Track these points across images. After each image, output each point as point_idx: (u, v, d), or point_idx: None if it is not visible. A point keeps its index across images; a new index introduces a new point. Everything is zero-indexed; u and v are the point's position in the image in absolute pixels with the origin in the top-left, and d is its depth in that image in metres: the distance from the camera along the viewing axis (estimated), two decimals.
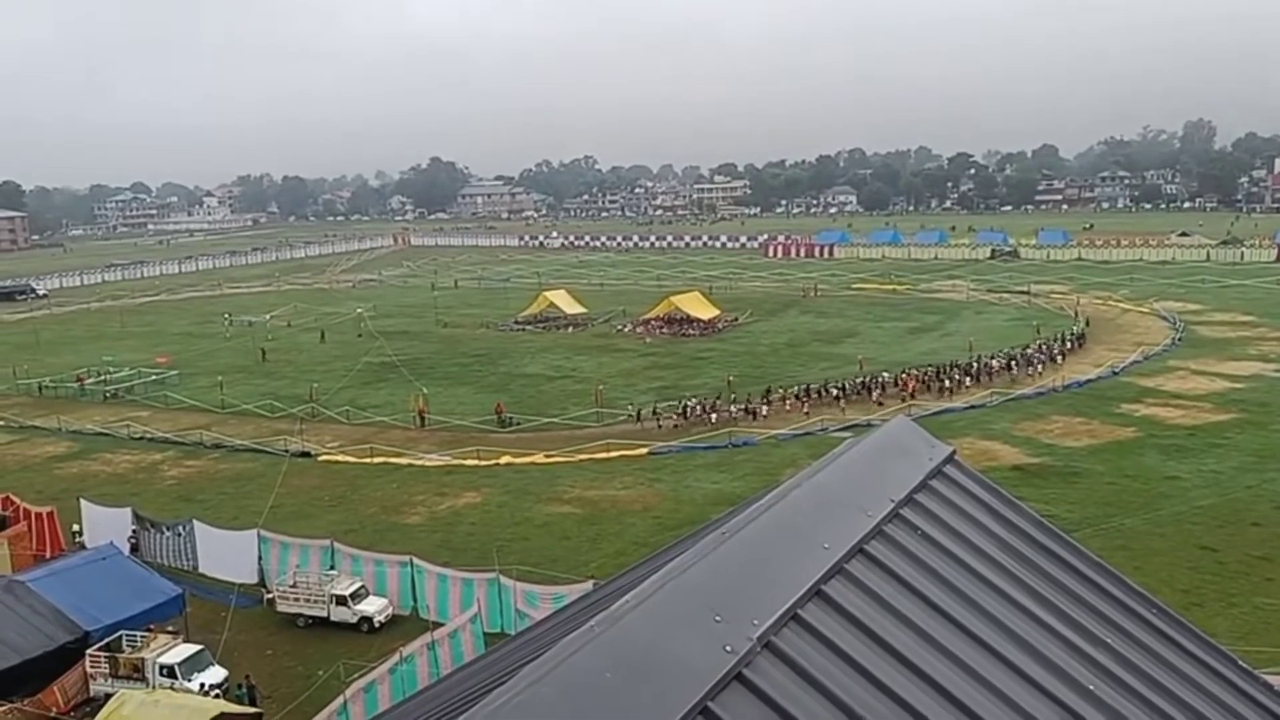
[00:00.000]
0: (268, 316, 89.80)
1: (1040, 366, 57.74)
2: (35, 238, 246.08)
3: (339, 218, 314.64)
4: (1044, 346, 62.34)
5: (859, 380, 54.82)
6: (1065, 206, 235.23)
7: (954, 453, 5.29)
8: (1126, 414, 47.65)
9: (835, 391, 52.82)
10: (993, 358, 58.77)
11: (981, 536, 4.80)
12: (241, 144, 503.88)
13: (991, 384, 54.82)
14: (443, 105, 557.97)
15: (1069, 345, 63.75)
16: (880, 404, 51.24)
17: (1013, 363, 58.18)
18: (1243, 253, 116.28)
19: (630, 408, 51.25)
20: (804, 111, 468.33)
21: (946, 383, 54.35)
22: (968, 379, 55.30)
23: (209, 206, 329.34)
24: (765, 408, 50.66)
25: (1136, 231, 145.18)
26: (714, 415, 49.21)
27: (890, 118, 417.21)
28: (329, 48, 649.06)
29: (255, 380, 64.59)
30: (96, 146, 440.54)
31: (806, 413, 50.11)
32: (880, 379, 55.02)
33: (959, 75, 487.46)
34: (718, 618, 3.28)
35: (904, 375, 55.36)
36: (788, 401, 51.67)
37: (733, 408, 50.69)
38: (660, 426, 48.90)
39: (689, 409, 50.09)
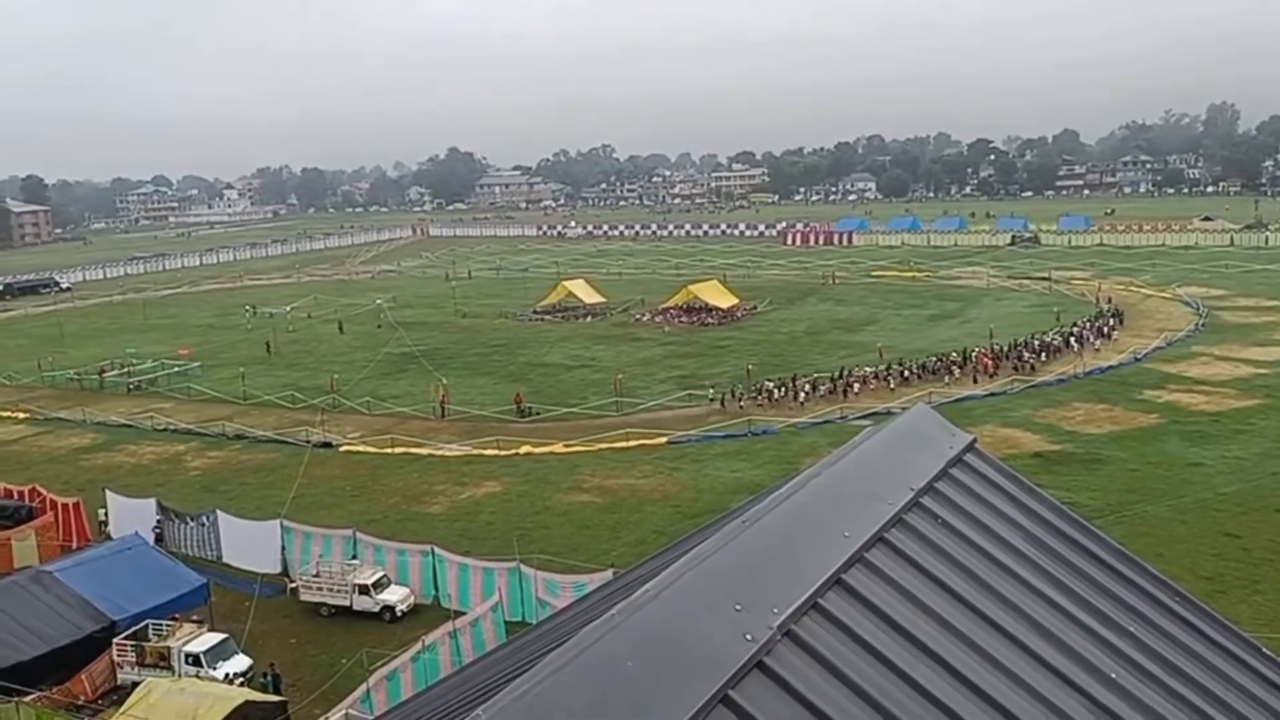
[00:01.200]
0: (288, 308, 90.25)
1: (1097, 342, 60.17)
2: (58, 231, 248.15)
3: (358, 209, 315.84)
4: (1091, 325, 63.91)
5: (941, 359, 55.56)
6: (1086, 192, 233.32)
7: (974, 441, 5.27)
8: (1149, 400, 47.30)
9: (917, 370, 53.87)
10: (1049, 336, 60.68)
11: (1003, 525, 4.78)
12: (261, 137, 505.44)
13: (1057, 361, 56.16)
14: (460, 96, 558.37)
15: (1112, 322, 65.22)
16: (975, 379, 53.01)
17: (1072, 338, 59.77)
18: (1267, 237, 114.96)
19: (714, 390, 51.76)
20: (822, 98, 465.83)
21: (1026, 356, 56.20)
22: (1042, 355, 56.80)
23: (229, 199, 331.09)
24: (857, 385, 51.73)
25: (1159, 216, 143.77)
26: (802, 396, 50.31)
27: (909, 104, 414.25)
28: (345, 41, 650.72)
29: (276, 371, 65.00)
30: (118, 141, 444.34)
31: (893, 389, 51.21)
32: (954, 358, 55.76)
33: (978, 60, 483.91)
34: (738, 606, 3.29)
35: (980, 353, 56.19)
36: (870, 382, 52.41)
37: (818, 388, 51.62)
38: (742, 407, 49.49)
39: (774, 390, 50.96)
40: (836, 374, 53.18)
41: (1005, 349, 57.71)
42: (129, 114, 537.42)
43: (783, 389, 51.18)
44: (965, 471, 5.02)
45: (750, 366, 55.61)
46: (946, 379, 53.06)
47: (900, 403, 45.51)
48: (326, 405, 53.52)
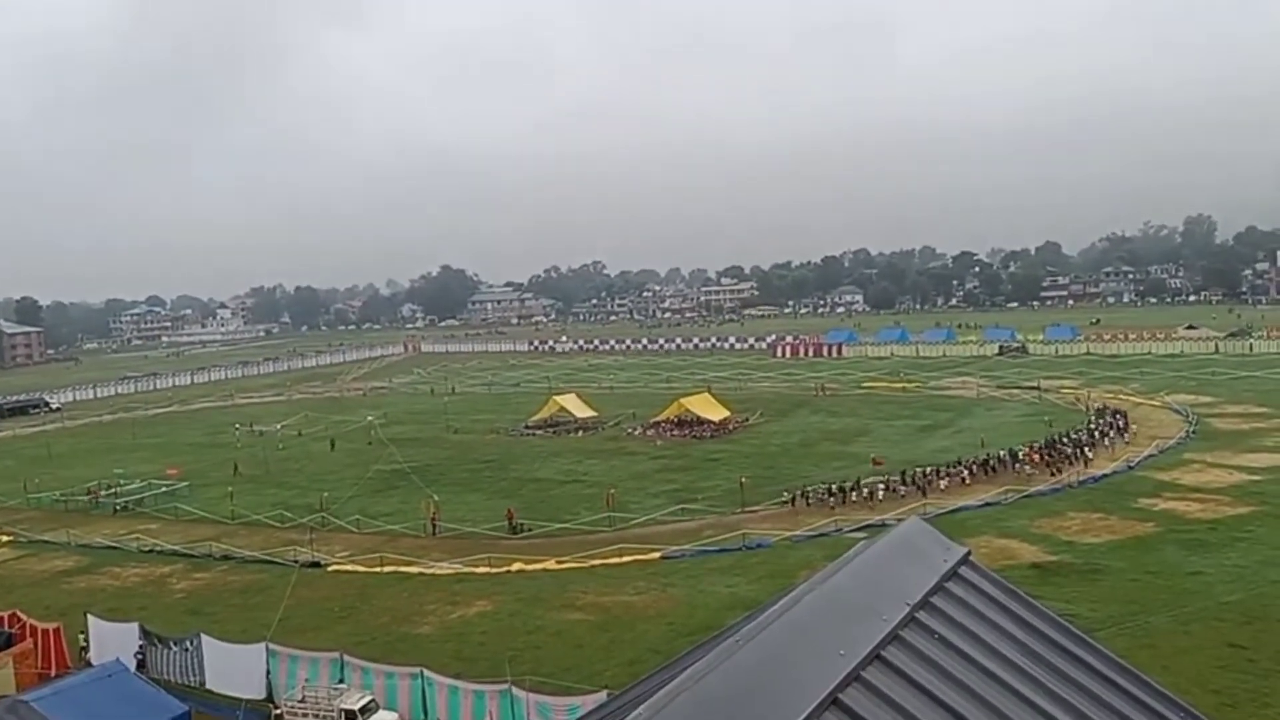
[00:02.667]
0: (278, 426, 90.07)
1: (1110, 442, 62.29)
2: (51, 352, 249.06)
3: (350, 326, 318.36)
4: (1107, 424, 66.42)
5: (977, 460, 57.00)
6: (1071, 302, 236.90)
7: (968, 553, 5.25)
8: (1145, 509, 47.06)
9: (964, 471, 55.25)
10: (1078, 432, 64.00)
11: (1000, 639, 4.73)
12: (254, 256, 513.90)
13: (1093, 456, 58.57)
14: (452, 214, 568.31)
15: (1123, 423, 67.28)
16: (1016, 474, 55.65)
17: (1094, 435, 63.20)
18: (1251, 344, 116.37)
19: (786, 494, 52.84)
20: (808, 213, 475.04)
21: (1070, 449, 59.03)
22: (1082, 449, 59.19)
23: (222, 318, 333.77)
24: (944, 482, 53.31)
25: (1143, 325, 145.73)
26: (879, 494, 51.97)
27: (894, 218, 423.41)
28: (337, 163, 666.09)
29: (266, 490, 64.44)
30: (113, 262, 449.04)
31: (966, 483, 53.69)
32: (999, 455, 57.68)
33: (960, 175, 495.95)
34: None
35: (1027, 450, 58.35)
36: (944, 480, 53.62)
37: (895, 489, 53.24)
38: (809, 505, 50.92)
39: (843, 491, 52.29)
40: (918, 472, 55.01)
41: (1043, 445, 59.82)
42: (124, 235, 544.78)
43: (855, 491, 52.64)
44: (960, 585, 4.99)
45: (744, 479, 55.41)
46: (1016, 471, 55.95)
47: (896, 514, 45.23)
48: (315, 524, 52.91)
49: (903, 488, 53.34)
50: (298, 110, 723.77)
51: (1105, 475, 54.16)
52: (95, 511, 61.31)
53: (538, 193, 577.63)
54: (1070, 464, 56.70)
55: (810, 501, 51.61)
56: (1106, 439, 62.85)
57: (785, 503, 52.00)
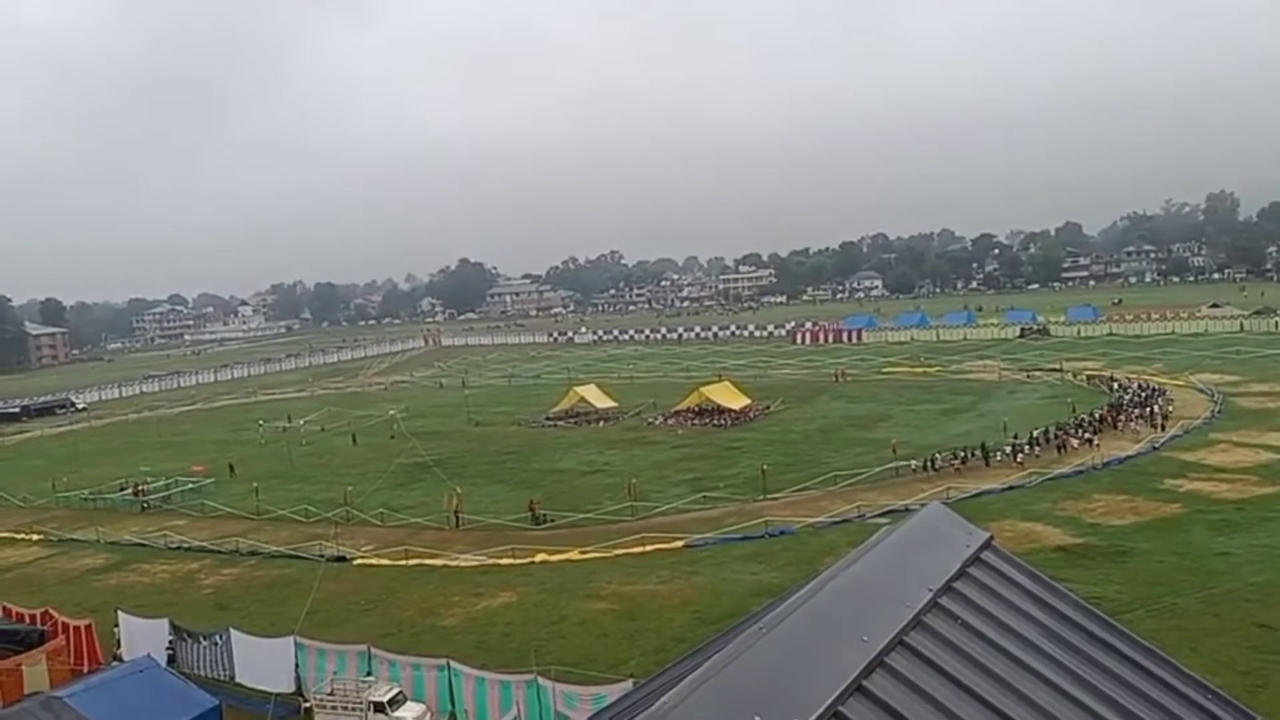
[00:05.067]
0: (301, 421, 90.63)
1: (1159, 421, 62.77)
2: (75, 352, 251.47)
3: (370, 321, 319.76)
4: (1159, 400, 68.31)
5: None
6: (1092, 283, 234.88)
7: (991, 538, 5.24)
8: (1170, 489, 46.71)
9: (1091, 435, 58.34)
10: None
11: (1024, 623, 4.72)
12: (274, 253, 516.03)
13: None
14: (468, 208, 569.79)
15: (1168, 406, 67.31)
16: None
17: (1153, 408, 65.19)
18: (1277, 322, 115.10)
19: (914, 462, 54.75)
20: (825, 199, 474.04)
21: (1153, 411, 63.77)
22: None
23: (243, 315, 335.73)
24: (1076, 442, 56.69)
25: (1166, 305, 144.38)
26: (1019, 457, 54.55)
27: (912, 202, 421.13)
28: (356, 158, 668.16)
29: (291, 485, 64.91)
30: (135, 261, 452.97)
31: (1089, 444, 56.56)
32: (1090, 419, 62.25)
33: (979, 157, 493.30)
34: (758, 717, 3.25)
35: (1105, 411, 64.08)
36: (1073, 439, 57.15)
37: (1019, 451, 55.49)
38: (937, 471, 53.45)
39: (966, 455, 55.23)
40: (1043, 432, 58.36)
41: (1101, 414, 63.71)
42: (145, 235, 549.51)
43: (975, 454, 55.21)
44: (983, 570, 4.98)
45: (765, 467, 55.34)
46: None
47: (918, 499, 45.08)
48: (340, 518, 53.27)
49: (1037, 448, 55.76)
50: (313, 109, 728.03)
51: (1130, 456, 53.75)
52: (129, 508, 61.76)
53: (554, 184, 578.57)
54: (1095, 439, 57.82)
55: (939, 467, 53.76)
56: (1144, 418, 63.51)
57: (915, 471, 53.70)
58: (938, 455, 55.59)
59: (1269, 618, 30.75)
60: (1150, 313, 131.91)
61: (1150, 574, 35.53)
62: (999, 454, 55.44)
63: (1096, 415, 63.60)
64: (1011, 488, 49.04)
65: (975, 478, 51.68)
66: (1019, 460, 54.35)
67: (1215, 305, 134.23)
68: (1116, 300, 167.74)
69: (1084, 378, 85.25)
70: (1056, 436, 58.00)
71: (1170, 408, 66.13)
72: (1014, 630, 4.61)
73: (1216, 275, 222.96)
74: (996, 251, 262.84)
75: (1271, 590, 33.00)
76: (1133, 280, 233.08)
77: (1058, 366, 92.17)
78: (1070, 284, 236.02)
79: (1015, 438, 57.65)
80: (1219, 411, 65.05)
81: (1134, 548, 38.53)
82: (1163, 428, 60.62)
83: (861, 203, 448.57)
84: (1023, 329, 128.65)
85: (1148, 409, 65.29)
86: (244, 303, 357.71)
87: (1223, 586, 33.59)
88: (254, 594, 42.48)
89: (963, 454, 55.72)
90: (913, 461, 55.06)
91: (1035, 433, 58.47)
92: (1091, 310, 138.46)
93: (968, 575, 4.85)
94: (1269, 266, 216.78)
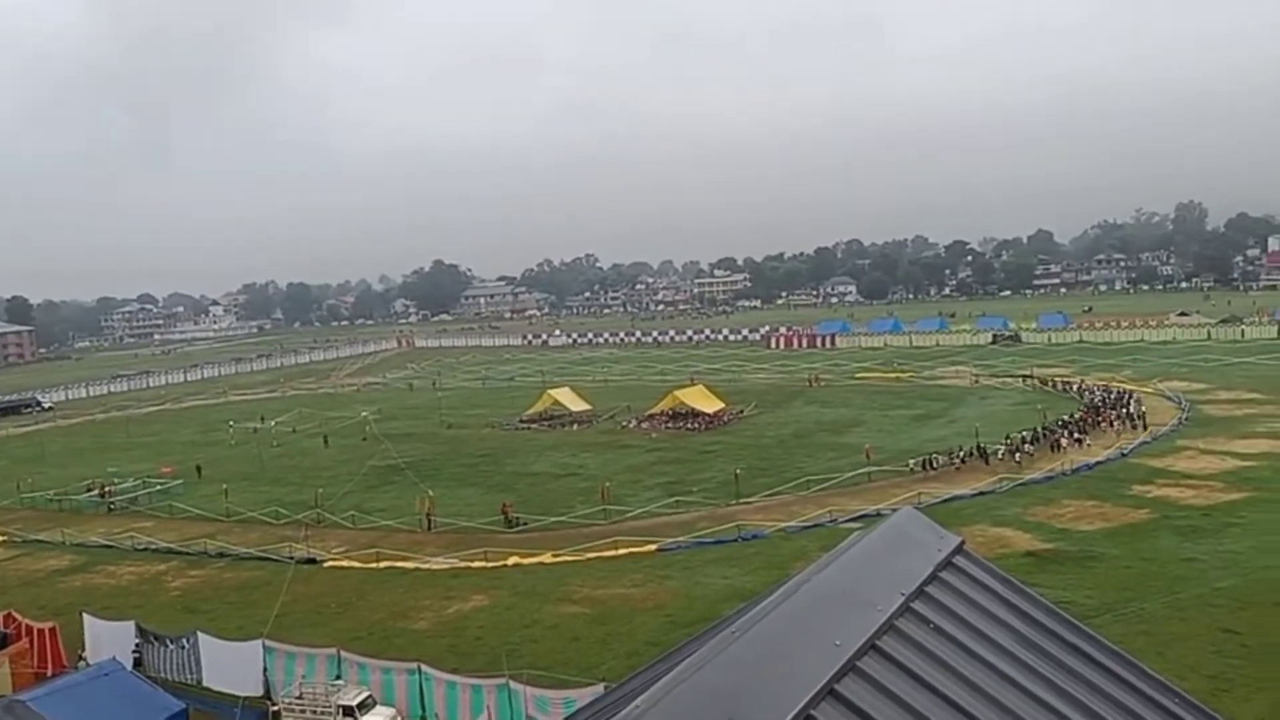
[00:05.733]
0: (272, 422, 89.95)
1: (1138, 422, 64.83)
2: (43, 351, 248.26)
3: (343, 322, 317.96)
4: (1135, 405, 69.73)
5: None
6: (1063, 290, 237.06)
7: (963, 542, 5.26)
8: (1138, 495, 47.21)
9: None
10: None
11: (995, 628, 4.74)
12: (246, 253, 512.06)
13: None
14: (443, 209, 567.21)
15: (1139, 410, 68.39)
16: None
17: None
18: (1243, 330, 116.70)
19: (957, 454, 56.39)
20: (800, 205, 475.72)
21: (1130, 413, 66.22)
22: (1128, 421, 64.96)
23: (214, 315, 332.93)
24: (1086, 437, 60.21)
25: (1135, 312, 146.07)
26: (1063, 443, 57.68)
27: (886, 209, 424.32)
28: (327, 158, 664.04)
29: (261, 487, 64.39)
30: (105, 260, 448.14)
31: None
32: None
33: (952, 166, 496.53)
34: None
35: (1084, 414, 66.65)
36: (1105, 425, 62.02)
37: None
38: (988, 464, 55.25)
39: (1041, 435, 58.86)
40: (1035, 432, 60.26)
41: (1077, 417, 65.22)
42: (114, 233, 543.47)
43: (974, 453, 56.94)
44: (954, 574, 5.00)
45: (738, 471, 55.47)
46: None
47: (890, 504, 45.32)
48: (311, 520, 52.88)
49: (1030, 447, 57.21)
50: (287, 107, 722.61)
51: (1099, 462, 54.31)
52: (109, 510, 60.90)
53: (530, 187, 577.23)
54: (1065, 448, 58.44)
55: (938, 467, 54.79)
56: (1122, 419, 65.57)
57: (957, 465, 55.06)
58: (937, 456, 56.37)
59: (1234, 623, 31.14)
60: (1120, 320, 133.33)
61: (1118, 579, 35.89)
62: (1000, 452, 56.79)
63: (1075, 417, 65.13)
64: (982, 493, 49.41)
65: (949, 482, 52.05)
66: (1017, 459, 55.47)
67: (1183, 314, 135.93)
68: (1087, 308, 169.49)
69: (1053, 384, 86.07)
70: (1047, 436, 59.68)
71: (1143, 408, 67.77)
72: (985, 634, 4.64)
73: (1184, 284, 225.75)
74: (969, 258, 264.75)
75: (1237, 595, 33.42)
76: (1103, 288, 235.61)
77: (1028, 373, 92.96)
78: (1042, 291, 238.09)
79: (1007, 438, 58.76)
80: (1186, 419, 65.85)
81: (1102, 553, 38.90)
82: (1145, 427, 62.54)
83: (836, 209, 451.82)
84: (995, 335, 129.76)
85: (1124, 409, 67.23)
86: (215, 302, 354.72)
87: (1189, 592, 33.99)
88: (222, 596, 42.08)
89: (962, 453, 56.78)
90: (910, 461, 55.73)
91: (1026, 433, 59.84)
92: (1062, 317, 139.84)
93: (939, 580, 4.87)
94: (1235, 276, 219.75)
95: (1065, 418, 65.10)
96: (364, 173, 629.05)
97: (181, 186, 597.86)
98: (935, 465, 55.32)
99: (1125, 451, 56.54)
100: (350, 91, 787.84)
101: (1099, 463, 54.25)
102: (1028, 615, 5.02)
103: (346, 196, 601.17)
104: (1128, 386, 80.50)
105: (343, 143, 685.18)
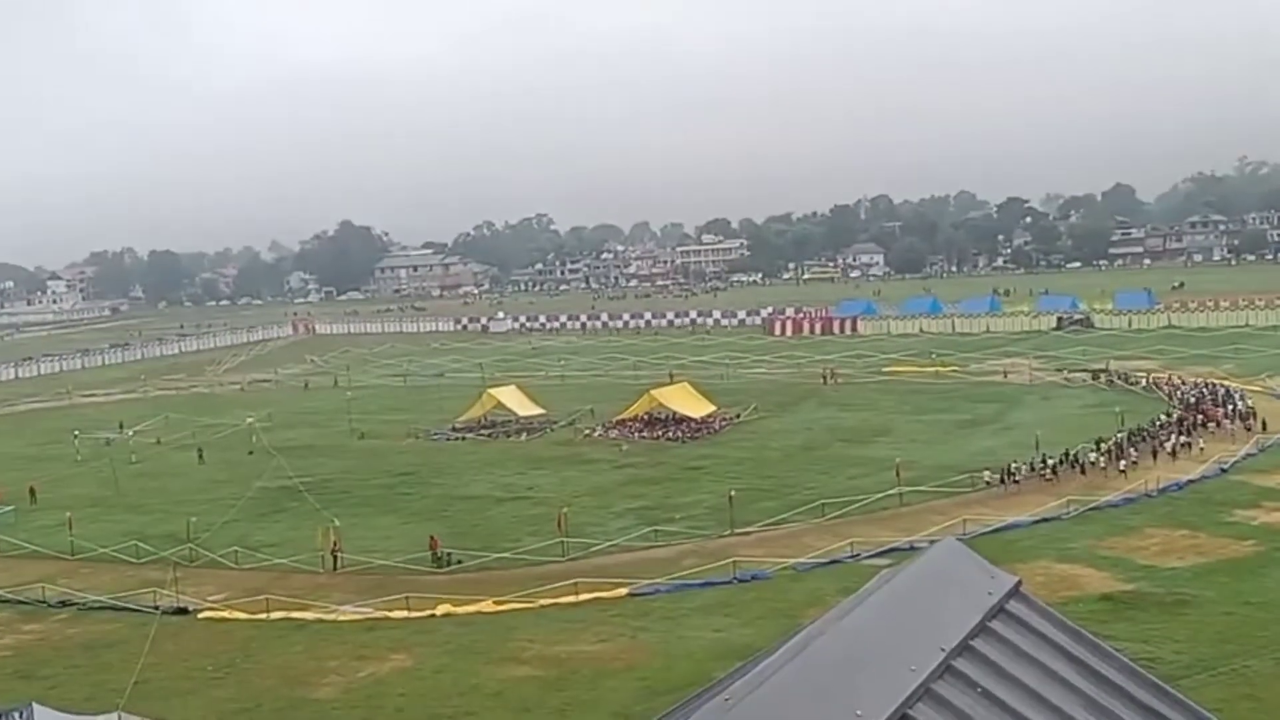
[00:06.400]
0: (130, 431, 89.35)
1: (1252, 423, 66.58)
2: None
3: (223, 302, 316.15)
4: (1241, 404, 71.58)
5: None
6: (1147, 261, 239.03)
7: (1019, 584, 5.30)
8: (1241, 523, 47.74)
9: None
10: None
11: (1059, 691, 4.78)
12: (96, 213, 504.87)
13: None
14: (352, 158, 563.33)
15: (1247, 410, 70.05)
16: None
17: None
18: None
19: (988, 474, 56.47)
20: (813, 150, 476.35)
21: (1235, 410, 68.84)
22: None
23: (55, 293, 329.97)
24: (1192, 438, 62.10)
25: (1239, 290, 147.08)
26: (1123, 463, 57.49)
27: (923, 158, 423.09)
28: (200, 96, 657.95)
29: (116, 515, 63.92)
30: None
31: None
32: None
33: (1007, 101, 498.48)
34: None
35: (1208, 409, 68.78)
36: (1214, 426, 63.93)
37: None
38: (1019, 484, 55.61)
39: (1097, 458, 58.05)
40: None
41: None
42: None
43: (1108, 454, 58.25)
44: (1009, 624, 5.03)
45: (733, 493, 55.66)
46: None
47: (927, 534, 45.60)
48: (181, 559, 52.55)
49: (1199, 439, 61.04)
50: (149, 35, 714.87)
51: (1191, 481, 54.84)
52: None
53: (467, 131, 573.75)
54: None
55: (1019, 480, 55.87)
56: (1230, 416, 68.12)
57: (988, 485, 55.60)
58: (1019, 465, 57.26)
59: None
60: (1218, 300, 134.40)
61: (1216, 629, 36.26)
62: (1098, 458, 58.05)
63: (1174, 417, 67.07)
64: (1044, 520, 49.79)
65: (1002, 506, 52.41)
66: (1122, 467, 56.81)
67: None
68: (1177, 283, 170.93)
69: (1135, 381, 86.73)
70: (1147, 440, 61.25)
71: (1252, 410, 69.04)
72: (1046, 700, 4.67)
73: None
74: (1028, 220, 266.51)
75: None
76: (1198, 258, 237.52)
77: (1104, 366, 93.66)
78: (1120, 263, 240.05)
79: (1098, 444, 59.83)
80: None
81: (1196, 596, 39.30)
82: (1264, 427, 64.51)
83: (859, 157, 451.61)
84: (1060, 319, 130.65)
85: (1231, 406, 69.50)
86: (55, 276, 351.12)
87: None
88: (66, 657, 41.74)
89: (1051, 461, 57.83)
90: (986, 473, 56.50)
91: (1122, 433, 61.37)
92: (1146, 296, 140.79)
93: (989, 631, 4.90)
94: None
95: (1163, 416, 66.73)
96: (249, 112, 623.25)
97: (16, 131, 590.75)
98: (1016, 476, 56.20)
99: (1225, 467, 57.12)
100: (230, 6, 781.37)
101: (1191, 481, 54.77)
102: (1100, 675, 5.06)
103: (226, 142, 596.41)
104: (1230, 383, 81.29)
105: (221, 75, 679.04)
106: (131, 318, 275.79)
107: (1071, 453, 58.49)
